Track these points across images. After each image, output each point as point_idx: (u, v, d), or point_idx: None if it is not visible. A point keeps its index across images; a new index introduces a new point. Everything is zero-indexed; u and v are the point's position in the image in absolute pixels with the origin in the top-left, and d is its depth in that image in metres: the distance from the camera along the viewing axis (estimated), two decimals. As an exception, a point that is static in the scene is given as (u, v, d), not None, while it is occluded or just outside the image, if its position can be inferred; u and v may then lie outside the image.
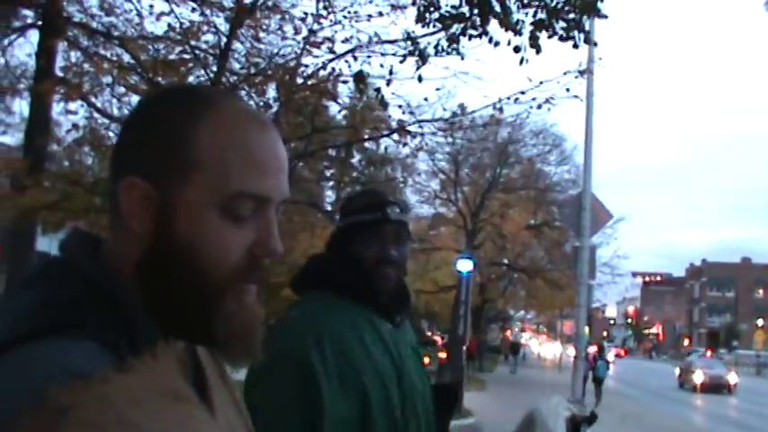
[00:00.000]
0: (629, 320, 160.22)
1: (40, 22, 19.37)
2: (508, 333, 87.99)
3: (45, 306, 1.09)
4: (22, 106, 22.40)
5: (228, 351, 1.22)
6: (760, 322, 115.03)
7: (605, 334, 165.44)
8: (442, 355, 33.26)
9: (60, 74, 15.95)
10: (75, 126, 14.78)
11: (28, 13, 20.39)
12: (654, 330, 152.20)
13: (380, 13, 13.35)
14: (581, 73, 13.45)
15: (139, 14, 14.38)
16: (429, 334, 59.26)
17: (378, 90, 11.99)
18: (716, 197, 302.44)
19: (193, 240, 1.15)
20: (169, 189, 1.16)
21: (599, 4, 9.56)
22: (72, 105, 14.48)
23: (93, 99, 15.41)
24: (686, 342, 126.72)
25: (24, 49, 20.34)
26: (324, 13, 13.43)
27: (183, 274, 1.15)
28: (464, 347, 27.50)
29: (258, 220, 1.20)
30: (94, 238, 1.24)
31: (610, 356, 44.73)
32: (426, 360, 17.96)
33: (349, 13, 13.48)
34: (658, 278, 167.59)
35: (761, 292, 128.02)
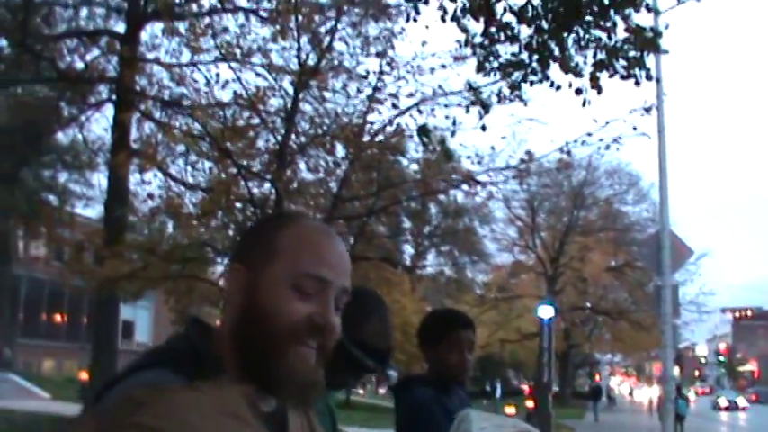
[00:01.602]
0: (721, 358, 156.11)
1: (113, 97, 19.93)
2: (597, 377, 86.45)
3: (156, 352, 1.57)
4: (100, 179, 22.91)
5: (287, 396, 1.55)
6: None
7: (697, 373, 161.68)
8: (530, 403, 32.81)
9: (135, 145, 16.32)
10: (150, 195, 15.07)
11: (102, 88, 20.98)
12: (749, 367, 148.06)
13: (443, 66, 13.44)
14: (647, 110, 13.31)
15: (207, 83, 14.66)
16: (515, 383, 58.58)
17: (443, 142, 12.02)
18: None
19: (268, 305, 1.53)
20: (257, 271, 1.56)
21: (659, 41, 9.48)
22: (147, 175, 14.81)
23: (167, 168, 15.70)
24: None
25: (100, 123, 20.91)
26: (387, 69, 13.56)
27: (260, 332, 1.52)
28: (550, 395, 27.11)
29: (319, 298, 1.55)
30: (205, 322, 1.65)
31: (691, 395, 45.21)
32: (512, 410, 17.64)
33: (412, 67, 13.60)
34: (749, 312, 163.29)
35: None
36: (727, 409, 70.86)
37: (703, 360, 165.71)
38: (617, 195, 44.68)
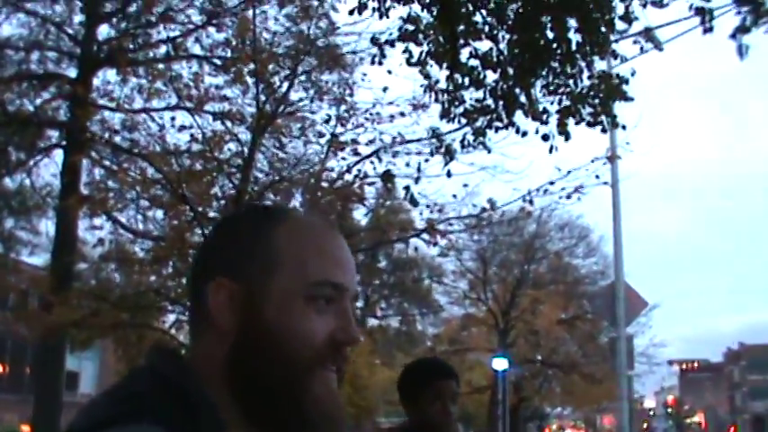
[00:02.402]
0: (669, 410, 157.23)
1: (63, 142, 19.62)
2: (547, 431, 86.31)
3: (121, 398, 1.19)
4: (48, 226, 22.48)
5: None
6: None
7: (645, 426, 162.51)
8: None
9: (85, 191, 16.04)
10: (100, 241, 14.77)
11: (52, 133, 20.66)
12: (696, 419, 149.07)
13: (402, 113, 13.34)
14: (609, 159, 13.30)
15: (161, 128, 14.46)
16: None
17: (407, 188, 11.85)
18: (746, 280, 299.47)
19: (282, 326, 1.25)
20: (255, 284, 1.27)
21: (624, 87, 9.44)
22: (97, 221, 14.53)
23: (117, 215, 15.44)
24: (732, 430, 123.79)
25: (49, 168, 20.53)
26: (346, 116, 13.44)
27: (272, 359, 1.25)
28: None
29: (336, 309, 1.30)
30: (173, 349, 1.33)
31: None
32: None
33: (371, 114, 13.49)
34: (695, 364, 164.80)
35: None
36: None
37: (651, 413, 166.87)
38: (567, 249, 44.97)
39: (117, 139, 15.52)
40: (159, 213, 15.13)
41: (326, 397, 1.27)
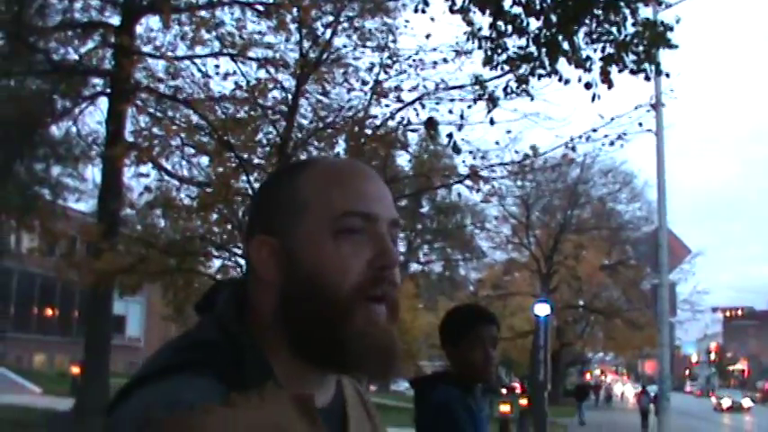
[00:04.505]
0: (712, 357, 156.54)
1: (108, 90, 19.77)
2: (588, 376, 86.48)
3: (181, 348, 1.27)
4: (94, 173, 22.71)
5: (367, 369, 1.32)
6: None
7: (687, 372, 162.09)
8: (523, 401, 32.68)
9: (130, 138, 16.17)
10: (147, 189, 14.91)
11: (97, 81, 20.82)
12: (739, 366, 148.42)
13: (445, 60, 13.29)
14: (653, 107, 13.18)
15: (205, 75, 14.52)
16: (507, 381, 58.45)
17: (450, 136, 11.85)
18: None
19: (316, 269, 1.27)
20: (289, 236, 1.31)
21: (669, 35, 9.35)
22: (143, 169, 14.64)
23: (163, 162, 15.56)
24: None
25: (95, 116, 20.76)
26: (389, 62, 13.42)
27: (314, 300, 1.27)
28: (546, 393, 27.00)
29: (371, 236, 1.30)
30: (242, 295, 1.36)
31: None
32: (507, 408, 17.51)
33: (414, 61, 13.46)
34: (740, 312, 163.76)
35: None
36: (729, 410, 67.78)
37: (695, 360, 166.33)
38: (611, 194, 44.73)
39: (161, 86, 15.58)
40: (204, 160, 15.25)
41: (372, 329, 1.28)
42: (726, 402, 70.75)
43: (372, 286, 1.28)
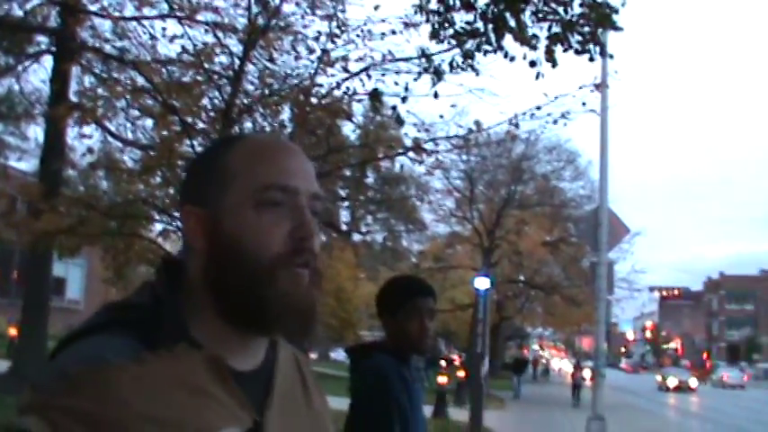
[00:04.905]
0: (648, 335, 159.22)
1: (53, 48, 19.49)
2: (526, 351, 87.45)
3: (111, 308, 1.38)
4: (36, 132, 22.44)
5: (286, 329, 1.40)
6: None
7: (623, 350, 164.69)
8: (461, 373, 33.05)
9: (74, 99, 15.98)
10: (89, 150, 14.77)
11: (42, 39, 20.50)
12: (673, 345, 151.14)
13: (393, 32, 13.29)
14: (596, 87, 13.32)
15: (152, 37, 14.38)
16: (446, 353, 58.94)
17: (394, 108, 11.90)
18: (732, 210, 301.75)
19: (238, 236, 1.36)
20: (213, 205, 1.40)
21: (614, 17, 9.48)
22: (86, 129, 14.46)
23: (107, 123, 15.42)
24: (705, 356, 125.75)
25: (39, 75, 20.43)
26: (337, 32, 13.39)
27: (236, 268, 1.35)
28: (483, 366, 27.32)
29: (291, 208, 1.39)
30: (177, 261, 1.47)
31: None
32: (444, 379, 17.81)
33: (362, 31, 13.44)
34: (676, 292, 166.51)
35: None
36: (677, 390, 63.76)
37: (631, 338, 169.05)
38: (555, 171, 45.09)
39: (107, 47, 15.41)
40: (149, 123, 15.13)
41: (294, 291, 1.35)
42: (672, 382, 66.31)
43: (294, 255, 1.36)
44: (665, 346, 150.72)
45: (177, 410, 1.20)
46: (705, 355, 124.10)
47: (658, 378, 71.89)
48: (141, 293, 1.39)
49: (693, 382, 67.09)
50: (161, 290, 1.38)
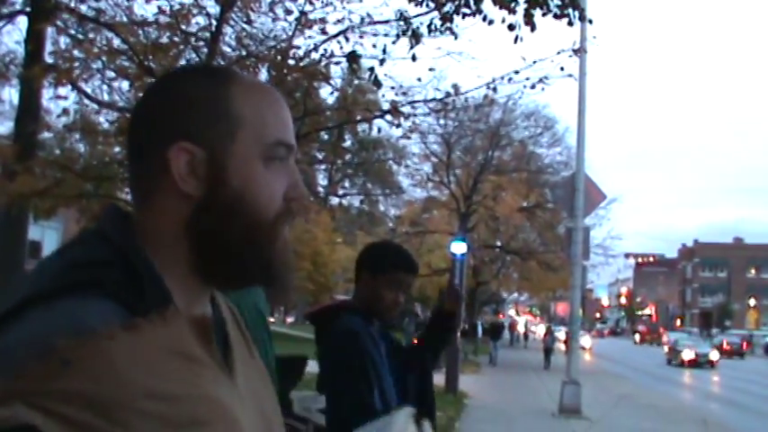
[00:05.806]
0: (623, 301, 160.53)
1: (28, 9, 19.24)
2: (501, 315, 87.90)
3: (71, 266, 1.18)
4: (11, 93, 22.22)
5: (279, 285, 1.34)
6: (752, 302, 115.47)
7: (598, 315, 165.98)
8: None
9: (50, 60, 15.82)
10: (65, 111, 14.66)
11: (15, -1, 20.25)
12: (647, 311, 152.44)
13: (373, -6, 13.23)
14: (575, 51, 13.30)
15: (128, -2, 14.26)
16: (421, 318, 59.12)
17: (371, 70, 11.87)
18: (707, 178, 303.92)
19: (245, 190, 1.28)
20: (217, 148, 1.28)
21: (593, -19, 9.47)
22: (62, 91, 14.34)
23: (82, 85, 15.28)
24: (678, 322, 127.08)
25: (13, 35, 20.21)
26: (315, -7, 13.31)
27: (240, 223, 1.28)
28: (458, 331, 27.43)
29: (286, 167, 1.34)
30: (125, 212, 1.32)
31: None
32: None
33: (341, -7, 13.36)
34: (651, 259, 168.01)
35: (753, 271, 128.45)
36: (692, 364, 49.80)
37: (606, 303, 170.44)
38: (532, 137, 45.12)
39: (83, 7, 15.24)
40: (125, 84, 15.01)
41: (285, 248, 1.32)
42: (688, 354, 51.25)
43: (289, 214, 1.33)
44: (639, 313, 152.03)
45: (176, 382, 1.09)
46: (678, 321, 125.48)
47: (665, 349, 59.76)
48: (92, 246, 1.23)
49: (715, 354, 52.22)
50: (123, 243, 1.22)
